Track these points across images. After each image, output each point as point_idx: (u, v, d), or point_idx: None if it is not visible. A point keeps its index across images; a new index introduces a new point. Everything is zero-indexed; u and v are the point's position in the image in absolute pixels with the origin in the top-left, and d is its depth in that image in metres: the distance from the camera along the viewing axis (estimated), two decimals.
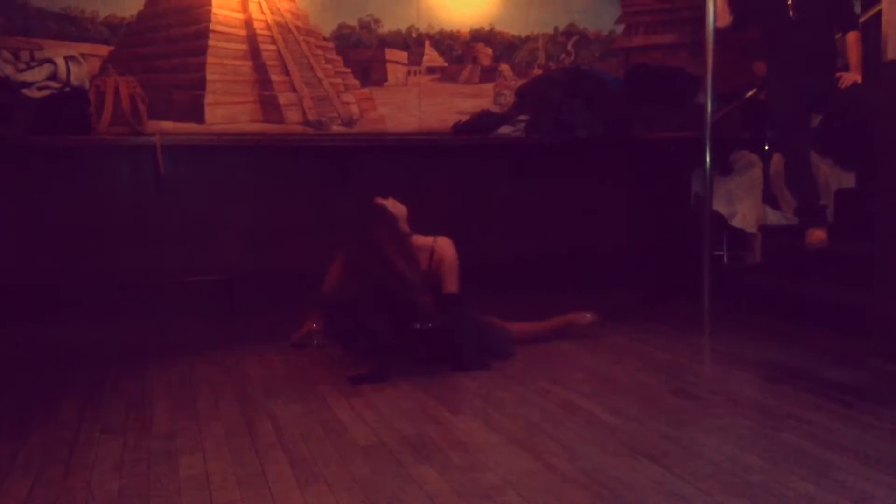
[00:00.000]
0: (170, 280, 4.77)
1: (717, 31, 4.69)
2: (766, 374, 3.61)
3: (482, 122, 5.49)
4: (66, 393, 3.39)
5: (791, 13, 4.51)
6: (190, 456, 2.68)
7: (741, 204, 5.18)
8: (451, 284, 3.80)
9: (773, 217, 5.15)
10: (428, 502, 2.29)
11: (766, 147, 5.28)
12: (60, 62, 4.59)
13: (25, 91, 4.48)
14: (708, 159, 4.72)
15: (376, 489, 2.38)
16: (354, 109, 5.63)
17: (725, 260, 5.21)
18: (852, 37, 4.57)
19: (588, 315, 4.16)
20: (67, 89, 4.59)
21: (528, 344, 4.01)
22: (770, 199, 5.21)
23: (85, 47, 4.97)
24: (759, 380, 3.53)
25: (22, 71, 4.53)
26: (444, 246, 3.86)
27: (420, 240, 3.89)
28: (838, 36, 4.62)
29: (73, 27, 5.01)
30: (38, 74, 4.54)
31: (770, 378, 3.52)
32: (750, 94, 5.26)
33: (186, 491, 2.40)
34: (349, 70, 5.62)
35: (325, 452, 2.69)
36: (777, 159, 5.09)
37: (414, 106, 5.77)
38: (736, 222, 5.16)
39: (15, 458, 2.67)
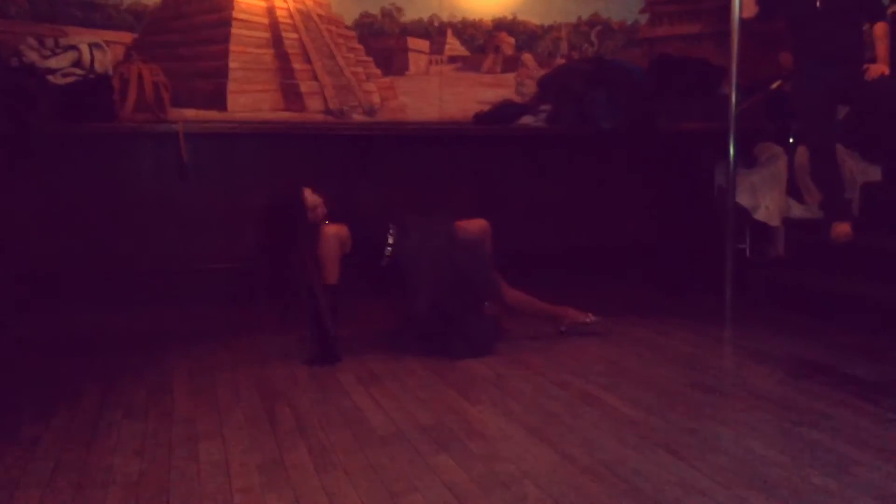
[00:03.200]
0: (192, 267, 4.80)
1: (743, 22, 4.63)
2: (788, 368, 3.57)
3: (504, 112, 5.48)
4: (88, 378, 3.42)
5: (818, 3, 4.45)
6: (210, 442, 2.70)
7: (765, 197, 5.13)
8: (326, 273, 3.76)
9: (798, 210, 5.10)
10: (445, 491, 2.29)
11: (791, 139, 5.22)
12: (84, 49, 4.62)
13: (50, 77, 4.52)
14: (732, 151, 4.67)
15: (394, 477, 2.39)
16: (376, 98, 5.63)
17: (748, 253, 5.16)
18: (880, 28, 4.50)
19: (590, 315, 4.10)
20: (91, 76, 4.62)
21: (516, 316, 4.06)
22: (794, 192, 5.16)
23: (109, 34, 5.00)
24: (780, 374, 3.50)
25: (46, 58, 4.56)
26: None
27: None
28: (866, 27, 4.56)
29: (97, 14, 5.04)
30: (62, 61, 4.57)
31: (792, 373, 3.48)
32: (775, 85, 5.20)
33: (206, 476, 2.42)
34: (371, 59, 5.62)
35: (344, 440, 2.70)
36: (802, 152, 5.04)
37: (435, 95, 5.76)
38: (759, 215, 5.11)
39: (38, 441, 2.70)
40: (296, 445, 2.66)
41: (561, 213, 5.44)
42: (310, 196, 3.87)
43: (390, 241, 3.80)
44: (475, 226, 4.02)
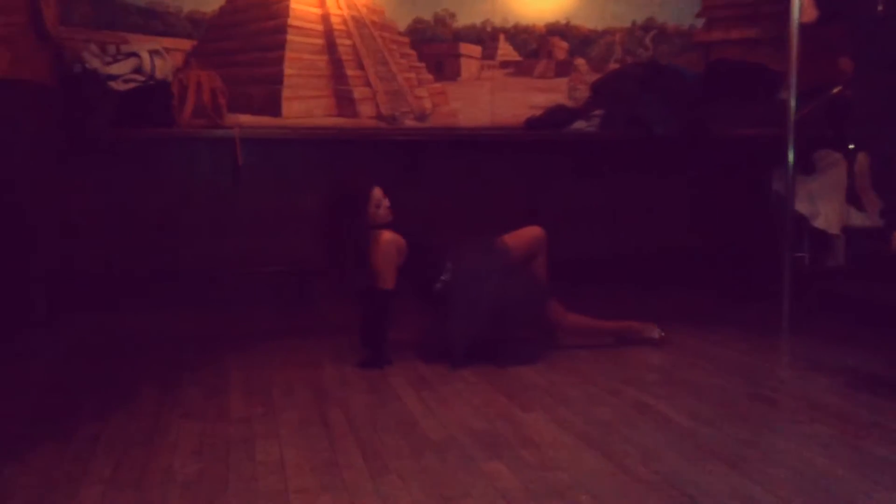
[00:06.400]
0: (246, 270, 4.87)
1: (802, 26, 4.55)
2: (848, 380, 3.49)
3: (555, 118, 5.45)
4: (145, 378, 3.49)
5: (879, 7, 4.34)
6: (265, 442, 2.73)
7: (824, 204, 5.02)
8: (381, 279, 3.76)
9: (857, 219, 4.98)
10: (499, 498, 2.28)
11: (851, 146, 5.10)
12: (145, 56, 4.72)
13: (112, 84, 4.62)
14: (790, 158, 4.59)
15: (447, 483, 2.39)
16: (427, 104, 5.64)
17: (807, 262, 5.05)
18: None
19: (656, 329, 4.04)
20: (151, 82, 4.71)
21: (583, 338, 3.99)
22: (854, 199, 5.04)
23: (168, 41, 5.10)
24: (841, 386, 3.42)
25: (108, 64, 4.67)
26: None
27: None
28: None
29: (157, 21, 5.15)
30: (123, 67, 4.67)
31: (853, 385, 3.40)
32: (835, 90, 5.08)
33: (263, 476, 2.45)
34: (423, 64, 5.64)
35: (397, 444, 2.71)
36: (862, 159, 4.92)
37: (487, 101, 5.76)
38: (818, 223, 5.01)
39: (98, 439, 2.76)
40: (349, 448, 2.68)
41: (613, 219, 5.40)
42: (378, 193, 3.89)
43: (444, 277, 3.78)
44: (526, 236, 3.96)
